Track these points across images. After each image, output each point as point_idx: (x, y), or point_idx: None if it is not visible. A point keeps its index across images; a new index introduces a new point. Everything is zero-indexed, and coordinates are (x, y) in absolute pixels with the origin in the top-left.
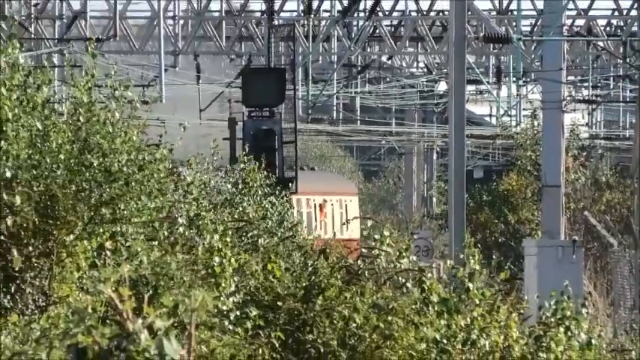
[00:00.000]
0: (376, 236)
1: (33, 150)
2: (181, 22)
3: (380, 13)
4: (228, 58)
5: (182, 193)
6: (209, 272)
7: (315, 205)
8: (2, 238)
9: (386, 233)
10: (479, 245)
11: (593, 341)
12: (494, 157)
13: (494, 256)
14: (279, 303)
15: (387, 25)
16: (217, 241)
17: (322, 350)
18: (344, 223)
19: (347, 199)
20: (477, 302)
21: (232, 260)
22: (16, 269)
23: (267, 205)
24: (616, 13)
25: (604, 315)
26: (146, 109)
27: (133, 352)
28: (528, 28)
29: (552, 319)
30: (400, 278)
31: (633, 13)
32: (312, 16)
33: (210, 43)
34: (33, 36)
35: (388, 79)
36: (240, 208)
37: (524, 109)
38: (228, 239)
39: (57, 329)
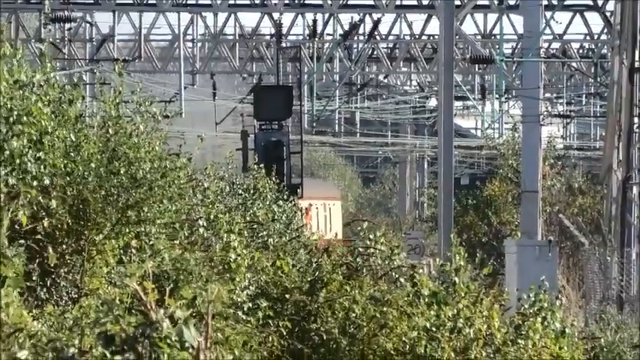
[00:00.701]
0: (371, 236)
1: (67, 159)
2: (199, 44)
3: (377, 37)
4: (241, 76)
5: (200, 198)
6: (225, 268)
7: (301, 208)
8: (39, 237)
9: (379, 234)
10: (464, 244)
11: (566, 330)
12: (479, 166)
13: (478, 254)
14: (287, 295)
15: (383, 48)
16: (233, 240)
17: (325, 338)
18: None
19: (331, 203)
20: (463, 295)
21: (246, 257)
22: (52, 265)
23: (275, 209)
24: (588, 38)
25: (576, 306)
26: (167, 122)
27: (156, 339)
28: (510, 51)
29: (530, 310)
30: (394, 274)
31: (603, 37)
32: (317, 39)
33: (225, 63)
34: (66, 57)
35: (384, 96)
36: (252, 211)
37: (505, 123)
38: (241, 239)
39: (88, 318)
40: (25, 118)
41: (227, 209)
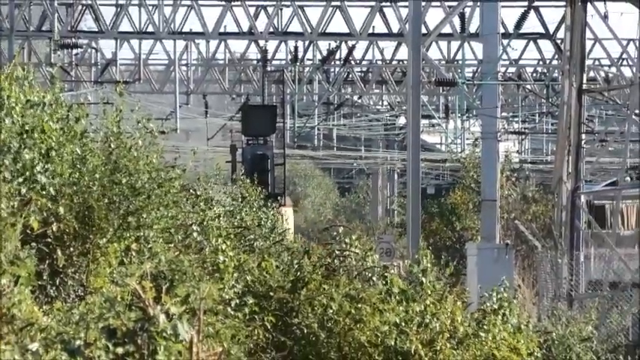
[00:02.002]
0: (347, 240)
1: (73, 170)
2: (192, 68)
3: (352, 62)
4: (231, 97)
5: (192, 205)
6: (215, 269)
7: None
8: (49, 240)
9: (354, 237)
10: (431, 248)
11: (522, 325)
12: (443, 177)
13: (442, 257)
14: (271, 293)
15: (358, 71)
16: (222, 243)
17: (305, 331)
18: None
19: (281, 209)
20: (429, 293)
21: (234, 259)
22: (60, 266)
23: (261, 215)
24: (540, 63)
25: (530, 303)
26: (164, 137)
27: (153, 333)
28: (471, 74)
29: (491, 307)
30: (368, 273)
31: (554, 62)
32: (298, 64)
33: (216, 85)
34: (74, 79)
35: (358, 114)
36: (240, 217)
37: (467, 139)
38: (230, 242)
39: (92, 314)
40: (36, 135)
41: (216, 215)
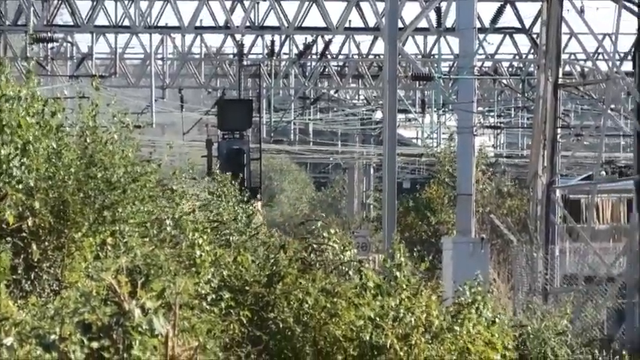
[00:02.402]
0: (325, 234)
1: (49, 165)
2: (168, 62)
3: (328, 56)
4: (206, 91)
5: (167, 199)
6: (191, 263)
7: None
8: (24, 235)
9: (332, 231)
10: (406, 242)
11: (497, 319)
12: (419, 172)
13: (416, 251)
14: (247, 288)
15: (334, 66)
16: (198, 238)
17: (281, 326)
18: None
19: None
20: (404, 287)
21: (210, 254)
22: (35, 260)
23: (238, 210)
24: (516, 57)
25: (506, 297)
26: (139, 132)
27: (129, 327)
28: (447, 69)
29: (465, 300)
30: (344, 268)
31: (530, 57)
32: (274, 58)
33: (192, 79)
34: (49, 73)
35: (335, 109)
36: (216, 212)
37: (443, 133)
38: (206, 237)
39: (67, 308)
40: (9, 130)
41: (191, 210)
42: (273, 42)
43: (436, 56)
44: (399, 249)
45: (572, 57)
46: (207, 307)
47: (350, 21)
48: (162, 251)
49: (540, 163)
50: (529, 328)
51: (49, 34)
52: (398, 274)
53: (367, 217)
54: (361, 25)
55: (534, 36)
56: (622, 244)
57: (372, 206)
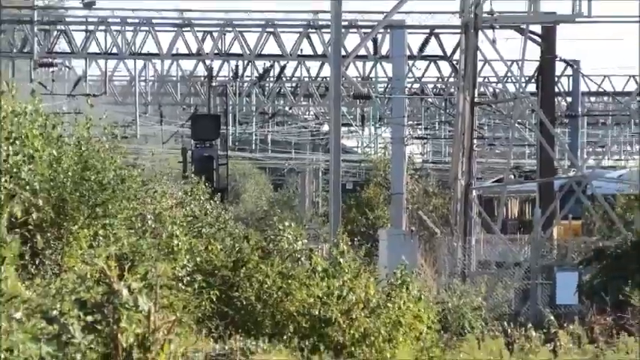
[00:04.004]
0: (280, 227)
1: (51, 169)
2: (150, 83)
3: (284, 78)
4: (182, 107)
5: (150, 198)
6: (169, 251)
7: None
8: (30, 227)
9: (287, 225)
10: (348, 233)
11: (423, 296)
12: (359, 175)
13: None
14: (216, 272)
15: (288, 86)
16: (176, 230)
17: (244, 303)
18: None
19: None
20: (347, 271)
21: (185, 243)
22: (39, 248)
23: (207, 207)
24: (440, 80)
25: (431, 279)
26: (126, 142)
27: (118, 304)
28: (382, 89)
29: (397, 281)
30: (297, 255)
31: (451, 80)
32: (238, 80)
33: (170, 97)
34: (51, 92)
35: (289, 122)
36: (189, 208)
37: (379, 143)
38: (182, 229)
39: (67, 288)
40: (19, 141)
41: (170, 206)
42: (237, 66)
43: (373, 79)
44: (343, 239)
45: (486, 80)
46: (183, 287)
47: (301, 49)
48: (145, 241)
49: (460, 168)
50: (450, 304)
51: (50, 60)
52: (341, 260)
53: (316, 212)
54: (311, 52)
55: (454, 62)
56: (526, 235)
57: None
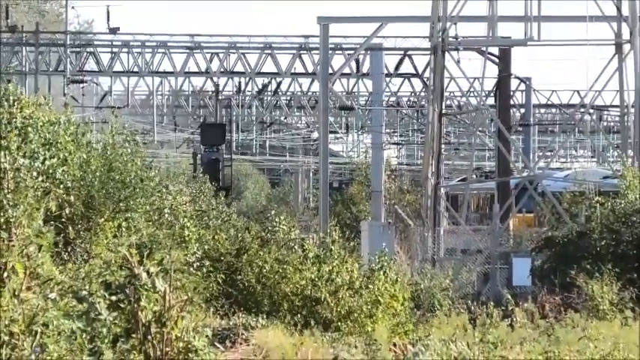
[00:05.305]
0: (277, 219)
1: (81, 170)
2: (166, 97)
3: (279, 93)
4: (193, 117)
5: (165, 195)
6: (182, 240)
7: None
8: (63, 220)
9: (282, 217)
10: (335, 225)
11: (398, 279)
12: (344, 175)
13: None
14: (222, 258)
15: (284, 99)
16: (187, 222)
17: (246, 285)
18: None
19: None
20: (335, 257)
21: (195, 233)
22: (71, 238)
23: (214, 202)
24: (413, 94)
25: (405, 264)
26: (145, 147)
27: (138, 286)
28: (364, 102)
29: (376, 266)
30: (291, 243)
31: (423, 94)
32: (241, 94)
33: (182, 109)
34: (81, 105)
35: (284, 130)
36: (199, 204)
37: (361, 148)
38: (192, 221)
39: (94, 272)
40: (53, 148)
41: (184, 202)
42: (240, 83)
43: (356, 93)
44: (335, 230)
45: (452, 94)
46: (194, 271)
47: (295, 68)
48: (161, 232)
49: (430, 169)
50: (422, 285)
51: (81, 77)
52: (333, 247)
53: (308, 207)
54: (303, 71)
55: (425, 79)
56: (487, 227)
57: (311, 199)
